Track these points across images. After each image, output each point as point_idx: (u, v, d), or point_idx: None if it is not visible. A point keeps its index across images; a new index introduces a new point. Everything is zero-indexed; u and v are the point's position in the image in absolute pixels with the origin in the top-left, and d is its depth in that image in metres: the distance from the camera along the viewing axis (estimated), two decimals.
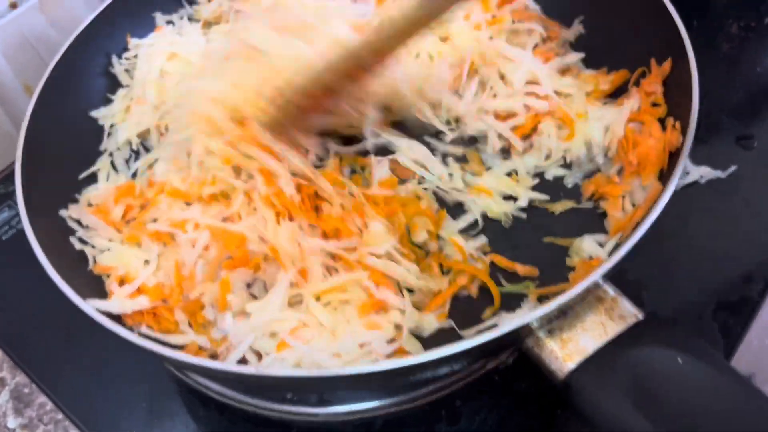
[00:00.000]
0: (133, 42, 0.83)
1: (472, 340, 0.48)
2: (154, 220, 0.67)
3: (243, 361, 0.57)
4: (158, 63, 0.79)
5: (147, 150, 0.78)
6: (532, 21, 0.78)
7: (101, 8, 0.80)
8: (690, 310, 0.70)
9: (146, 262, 0.65)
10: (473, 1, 0.79)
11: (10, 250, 0.82)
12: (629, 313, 0.51)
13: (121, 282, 0.64)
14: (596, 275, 0.50)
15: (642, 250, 0.54)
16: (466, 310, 0.62)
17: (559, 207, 0.67)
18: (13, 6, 0.86)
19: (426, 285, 0.61)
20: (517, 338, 0.51)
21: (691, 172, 0.76)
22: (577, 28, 0.78)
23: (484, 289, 0.63)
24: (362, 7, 0.77)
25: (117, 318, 0.61)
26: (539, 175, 0.70)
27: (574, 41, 0.78)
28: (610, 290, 0.52)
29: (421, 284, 0.61)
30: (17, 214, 0.83)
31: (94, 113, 0.79)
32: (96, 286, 0.65)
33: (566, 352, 0.49)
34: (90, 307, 0.57)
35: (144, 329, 0.60)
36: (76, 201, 0.72)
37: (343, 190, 0.64)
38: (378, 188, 0.65)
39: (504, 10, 0.80)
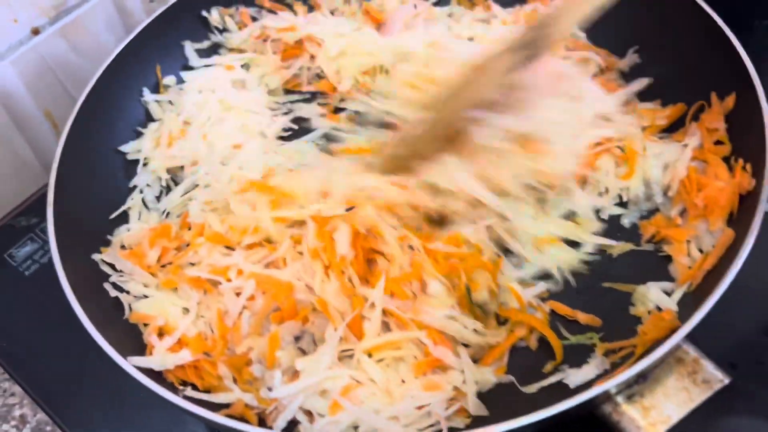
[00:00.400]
0: (167, 80, 0.82)
1: (546, 411, 0.45)
2: (192, 264, 0.64)
3: (293, 422, 0.54)
4: (206, 112, 0.77)
5: (176, 184, 0.75)
6: (587, 50, 0.75)
7: (129, 38, 0.78)
8: (748, 351, 0.66)
9: (185, 310, 0.62)
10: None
11: (33, 285, 0.79)
12: (714, 377, 0.48)
13: (160, 333, 0.61)
14: (677, 337, 0.47)
15: None
16: (526, 363, 0.59)
17: (618, 249, 0.64)
18: (35, 32, 0.84)
19: (484, 339, 0.58)
20: (594, 404, 0.48)
21: None
22: (631, 58, 0.76)
23: (544, 340, 0.60)
24: None
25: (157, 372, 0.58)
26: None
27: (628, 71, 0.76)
28: (691, 350, 0.49)
29: (480, 340, 0.57)
30: (40, 248, 0.81)
31: (123, 147, 0.77)
32: (132, 334, 0.63)
33: (649, 421, 0.46)
34: (131, 366, 0.54)
35: (189, 391, 0.57)
36: (108, 242, 0.70)
37: (403, 242, 0.61)
38: (442, 245, 0.61)
39: None
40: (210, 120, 0.76)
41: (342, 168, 0.69)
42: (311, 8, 0.88)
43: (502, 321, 0.61)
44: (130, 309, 0.63)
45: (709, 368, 0.48)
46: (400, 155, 0.68)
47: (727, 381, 0.47)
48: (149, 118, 0.81)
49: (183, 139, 0.75)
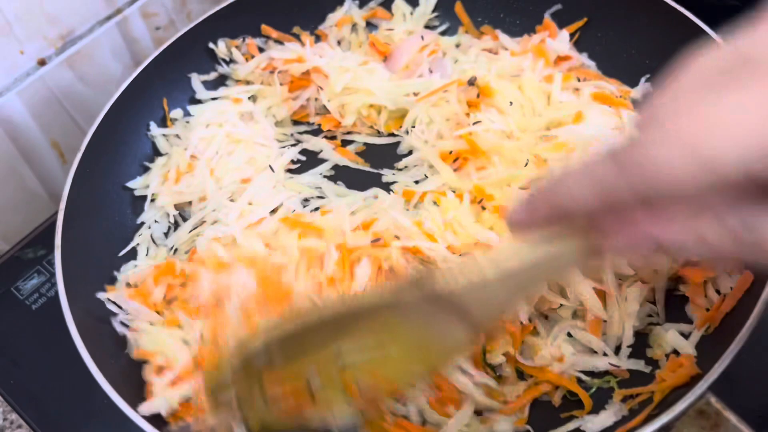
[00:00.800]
0: (174, 113, 0.82)
1: None
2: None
3: None
4: (213, 147, 0.76)
5: (185, 219, 0.75)
6: (600, 80, 0.75)
7: (137, 72, 0.78)
8: None
9: (185, 342, 0.62)
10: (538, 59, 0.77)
11: (40, 319, 0.79)
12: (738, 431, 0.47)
13: (160, 370, 0.61)
14: (699, 390, 0.47)
15: None
16: (541, 410, 0.58)
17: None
18: (42, 63, 0.84)
19: (495, 401, 0.57)
20: None
21: None
22: (644, 87, 0.75)
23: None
24: None
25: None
26: None
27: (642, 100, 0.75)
28: (713, 401, 0.48)
29: (490, 403, 0.57)
30: (47, 281, 0.81)
31: (130, 184, 0.77)
32: (137, 370, 0.63)
33: None
34: (139, 417, 0.54)
35: None
36: (115, 279, 0.70)
37: None
38: None
39: (561, 67, 0.77)
40: (217, 154, 0.76)
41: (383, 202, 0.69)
42: (318, 38, 0.87)
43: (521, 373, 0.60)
44: (137, 345, 0.63)
45: (733, 421, 0.47)
46: None
47: None
48: (156, 152, 0.80)
49: (190, 174, 0.75)
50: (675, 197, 0.34)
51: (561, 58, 0.78)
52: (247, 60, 0.84)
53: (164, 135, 0.80)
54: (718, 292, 0.59)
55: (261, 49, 0.86)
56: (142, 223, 0.75)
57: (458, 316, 0.42)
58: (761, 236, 0.34)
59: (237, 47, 0.85)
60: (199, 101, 0.83)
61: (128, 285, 0.68)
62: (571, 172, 0.37)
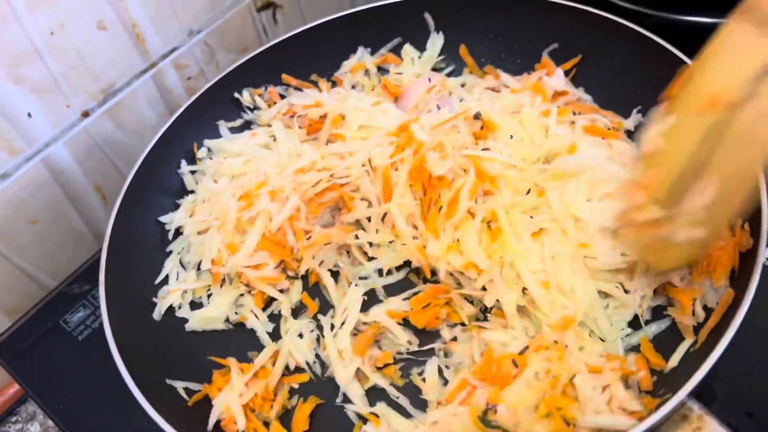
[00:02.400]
0: (200, 152, 0.88)
1: None
2: None
3: None
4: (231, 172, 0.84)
5: None
6: (595, 113, 0.80)
7: (170, 121, 0.84)
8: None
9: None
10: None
11: (86, 349, 0.84)
12: None
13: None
14: (681, 395, 0.51)
15: None
16: None
17: None
18: (85, 114, 0.90)
19: None
20: None
21: None
22: (636, 118, 0.80)
23: None
24: None
25: None
26: None
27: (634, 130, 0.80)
28: (696, 407, 0.52)
29: None
30: (92, 313, 0.86)
31: (162, 218, 0.83)
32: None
33: None
34: None
35: None
36: (153, 305, 0.77)
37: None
38: None
39: (559, 102, 0.82)
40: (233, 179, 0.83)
41: None
42: (334, 84, 0.94)
43: None
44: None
45: (714, 425, 0.51)
46: None
47: None
48: (186, 190, 0.87)
49: (209, 203, 0.81)
50: None
51: (558, 93, 0.83)
52: (269, 106, 0.90)
53: (191, 172, 0.86)
54: (705, 308, 0.63)
55: (282, 96, 0.92)
56: (171, 252, 0.81)
57: None
58: None
59: (260, 95, 0.91)
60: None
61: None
62: None
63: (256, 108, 0.91)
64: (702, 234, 0.53)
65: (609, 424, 0.55)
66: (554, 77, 0.83)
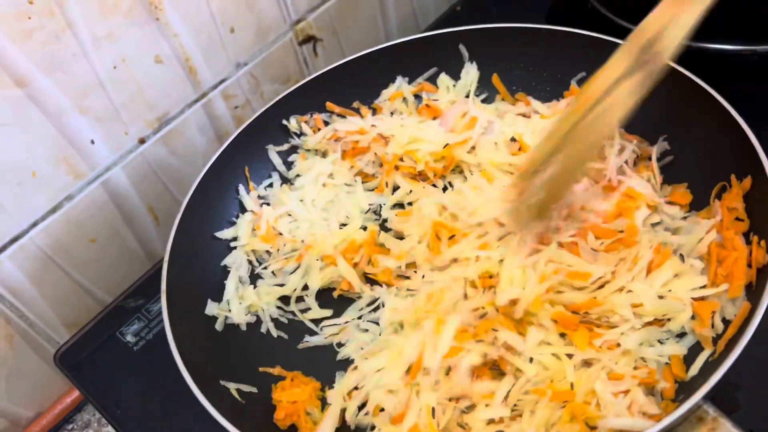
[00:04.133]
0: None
1: None
2: None
3: None
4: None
5: (259, 263, 0.88)
6: (621, 138, 0.83)
7: (223, 147, 0.90)
8: None
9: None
10: None
11: (142, 358, 0.88)
12: None
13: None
14: (697, 397, 0.54)
15: None
16: None
17: None
18: (142, 141, 0.95)
19: None
20: None
21: None
22: (661, 145, 0.83)
23: None
24: None
25: None
26: None
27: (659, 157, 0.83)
28: (711, 410, 0.55)
29: None
30: (146, 326, 0.89)
31: (219, 234, 0.88)
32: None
33: None
34: None
35: None
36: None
37: None
38: None
39: None
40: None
41: None
42: (374, 111, 0.99)
43: None
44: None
45: (728, 426, 0.54)
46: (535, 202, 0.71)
47: None
48: (242, 209, 0.92)
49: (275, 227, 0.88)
50: None
51: None
52: (314, 132, 0.96)
53: (248, 195, 0.92)
54: (724, 320, 0.66)
55: (326, 123, 0.98)
56: (225, 266, 0.87)
57: None
58: None
59: (306, 122, 0.97)
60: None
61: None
62: None
63: (302, 134, 0.97)
64: (544, 197, 0.70)
65: (629, 426, 0.58)
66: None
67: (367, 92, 1.00)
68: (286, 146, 0.97)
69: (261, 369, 0.77)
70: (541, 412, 0.63)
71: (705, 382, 0.56)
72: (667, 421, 0.53)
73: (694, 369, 0.64)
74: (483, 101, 0.98)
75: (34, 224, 0.87)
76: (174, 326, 0.72)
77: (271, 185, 0.95)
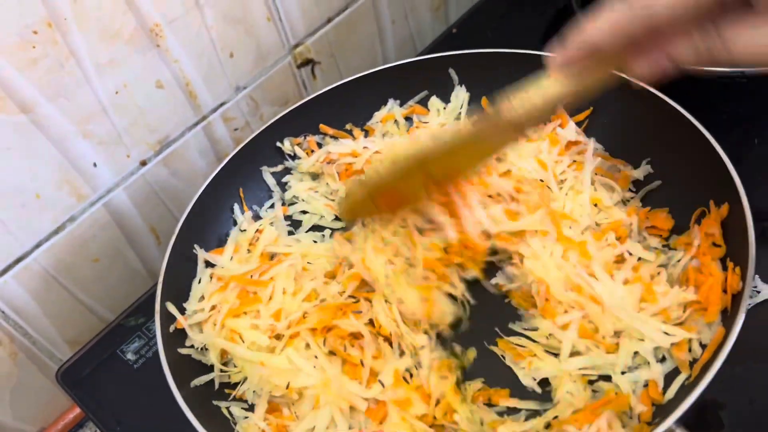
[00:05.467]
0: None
1: None
2: None
3: None
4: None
5: None
6: (606, 160, 0.86)
7: (219, 169, 0.91)
8: None
9: None
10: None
11: (142, 376, 0.89)
12: None
13: None
14: (670, 421, 0.56)
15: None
16: None
17: None
18: (143, 163, 0.98)
19: None
20: None
21: (762, 291, 0.80)
22: (645, 168, 0.85)
23: None
24: None
25: None
26: None
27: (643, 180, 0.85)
28: None
29: None
30: (146, 344, 0.91)
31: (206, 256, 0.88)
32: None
33: None
34: None
35: None
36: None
37: None
38: None
39: (572, 151, 0.89)
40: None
41: None
42: (366, 132, 1.01)
43: None
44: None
45: None
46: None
47: None
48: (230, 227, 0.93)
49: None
50: (671, 21, 0.47)
51: (571, 143, 0.89)
52: (308, 154, 0.98)
53: (242, 215, 0.94)
54: (700, 344, 0.68)
55: (320, 144, 1.00)
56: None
57: (514, 130, 0.63)
58: (727, 42, 0.46)
59: (299, 144, 0.99)
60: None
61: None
62: (594, 18, 0.51)
63: (296, 156, 0.99)
64: None
65: None
66: (567, 129, 0.89)
67: (360, 114, 1.02)
68: (279, 167, 0.99)
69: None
70: None
71: (679, 405, 0.57)
72: None
73: (671, 392, 0.66)
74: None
75: (38, 245, 0.89)
76: (167, 348, 0.74)
77: (272, 206, 0.97)
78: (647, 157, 0.85)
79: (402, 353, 0.74)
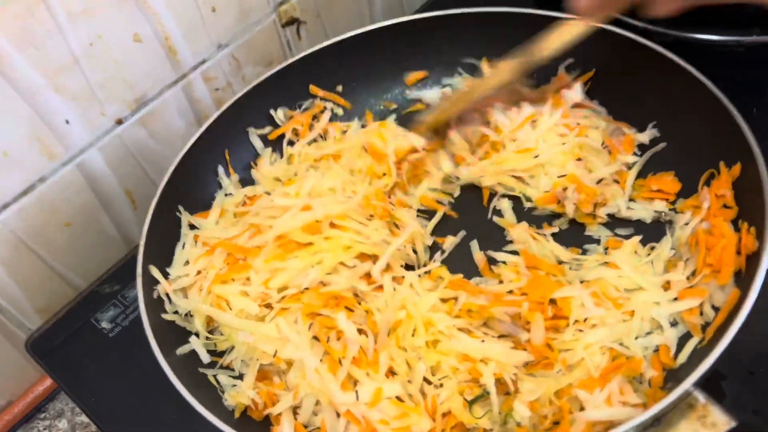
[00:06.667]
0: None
1: None
2: None
3: None
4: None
5: None
6: (610, 123, 0.84)
7: (204, 128, 0.87)
8: None
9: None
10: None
11: (116, 346, 0.85)
12: (721, 420, 0.53)
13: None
14: (687, 384, 0.54)
15: None
16: None
17: None
18: (119, 122, 0.93)
19: None
20: None
21: None
22: (651, 132, 0.83)
23: None
24: None
25: None
26: None
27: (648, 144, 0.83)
28: (701, 397, 0.55)
29: None
30: (122, 312, 0.87)
31: (191, 219, 0.85)
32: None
33: None
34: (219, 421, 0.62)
35: None
36: None
37: None
38: None
39: (576, 114, 0.86)
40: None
41: None
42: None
43: None
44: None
45: (717, 413, 0.54)
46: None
47: (733, 424, 0.53)
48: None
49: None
50: None
51: (576, 106, 0.86)
52: (288, 118, 0.95)
53: (229, 179, 0.90)
54: (714, 307, 0.66)
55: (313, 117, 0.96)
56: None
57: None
58: None
59: (292, 116, 0.96)
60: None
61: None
62: None
63: (290, 143, 0.95)
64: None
65: (609, 416, 0.58)
66: (573, 91, 0.86)
67: (350, 75, 0.98)
68: (268, 129, 0.95)
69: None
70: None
71: (694, 369, 0.55)
72: (655, 409, 0.52)
73: (683, 356, 0.64)
74: None
75: (5, 206, 0.85)
76: (150, 313, 0.71)
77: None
78: (652, 120, 0.83)
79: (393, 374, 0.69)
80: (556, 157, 0.80)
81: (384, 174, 0.85)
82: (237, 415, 0.69)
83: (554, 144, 0.81)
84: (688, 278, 0.68)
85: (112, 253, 0.99)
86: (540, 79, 0.92)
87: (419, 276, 0.75)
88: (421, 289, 0.72)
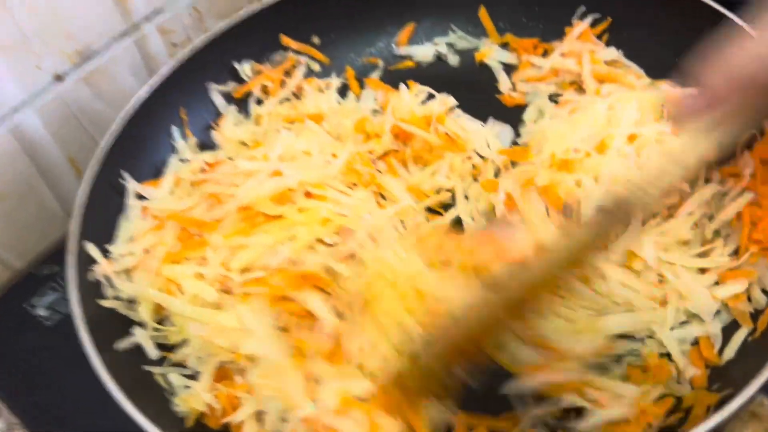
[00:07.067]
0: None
1: None
2: None
3: None
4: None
5: None
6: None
7: (153, 84, 0.81)
8: None
9: None
10: None
11: (55, 336, 0.80)
12: None
13: None
14: (750, 391, 0.44)
15: None
16: None
17: None
18: (59, 78, 0.85)
19: None
20: None
21: None
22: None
23: None
24: None
25: None
26: None
27: None
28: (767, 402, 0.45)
29: None
30: (63, 297, 0.82)
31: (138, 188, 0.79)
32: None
33: None
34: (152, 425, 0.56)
35: None
36: None
37: None
38: None
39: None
40: None
41: None
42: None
43: None
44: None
45: None
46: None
47: None
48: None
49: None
50: None
51: (609, 63, 0.82)
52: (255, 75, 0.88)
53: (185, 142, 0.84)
54: (764, 291, 0.58)
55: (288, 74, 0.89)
56: None
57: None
58: None
59: (259, 71, 0.88)
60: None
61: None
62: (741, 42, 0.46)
63: (259, 101, 0.88)
64: None
65: None
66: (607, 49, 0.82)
67: (328, 25, 0.91)
68: (231, 85, 0.88)
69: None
70: None
71: (756, 370, 0.46)
72: (712, 421, 0.43)
73: (730, 351, 0.56)
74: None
75: None
76: (85, 299, 0.65)
77: None
78: (674, 68, 0.74)
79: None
80: None
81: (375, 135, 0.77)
82: (190, 423, 0.63)
83: None
84: (729, 258, 0.61)
85: (53, 229, 0.92)
86: (546, 31, 0.87)
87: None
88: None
